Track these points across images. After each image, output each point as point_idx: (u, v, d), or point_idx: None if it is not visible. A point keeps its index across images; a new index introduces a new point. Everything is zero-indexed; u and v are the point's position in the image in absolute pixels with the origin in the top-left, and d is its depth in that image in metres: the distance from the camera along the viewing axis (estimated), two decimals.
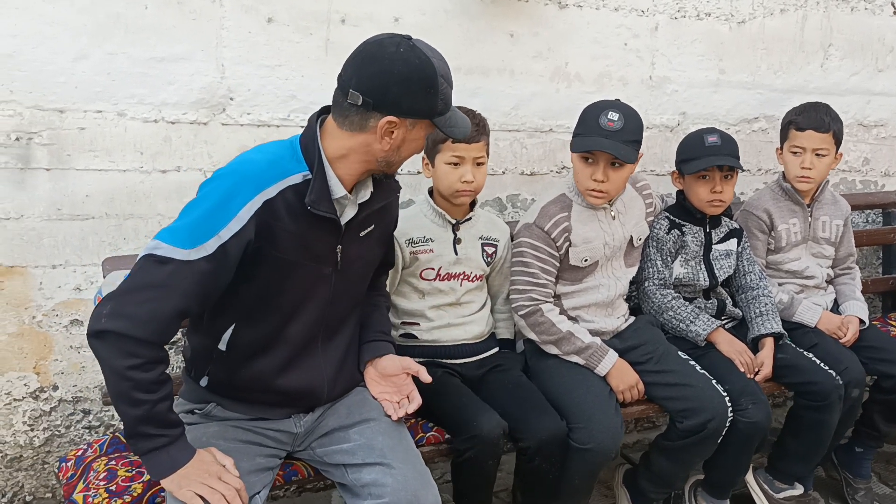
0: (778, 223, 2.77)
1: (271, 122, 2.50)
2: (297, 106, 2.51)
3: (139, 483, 1.85)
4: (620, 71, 2.94)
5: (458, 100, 2.52)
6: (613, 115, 2.25)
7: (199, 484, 1.61)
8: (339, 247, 1.81)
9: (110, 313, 1.57)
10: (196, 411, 1.88)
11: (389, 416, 1.93)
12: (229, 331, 1.80)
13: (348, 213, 1.80)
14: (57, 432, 2.46)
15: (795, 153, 2.72)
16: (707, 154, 2.49)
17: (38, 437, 2.44)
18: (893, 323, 3.15)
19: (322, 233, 1.77)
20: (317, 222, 1.74)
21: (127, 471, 1.89)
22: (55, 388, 2.43)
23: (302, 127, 2.53)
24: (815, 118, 2.70)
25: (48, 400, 2.43)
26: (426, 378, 1.95)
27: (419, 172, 2.42)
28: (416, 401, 1.94)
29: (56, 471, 2.03)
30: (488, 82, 2.74)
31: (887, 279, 3.36)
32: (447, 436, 2.14)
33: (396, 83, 1.67)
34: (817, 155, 2.70)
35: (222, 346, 1.81)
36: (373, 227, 1.90)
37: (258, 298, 1.78)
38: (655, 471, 2.42)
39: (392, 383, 1.98)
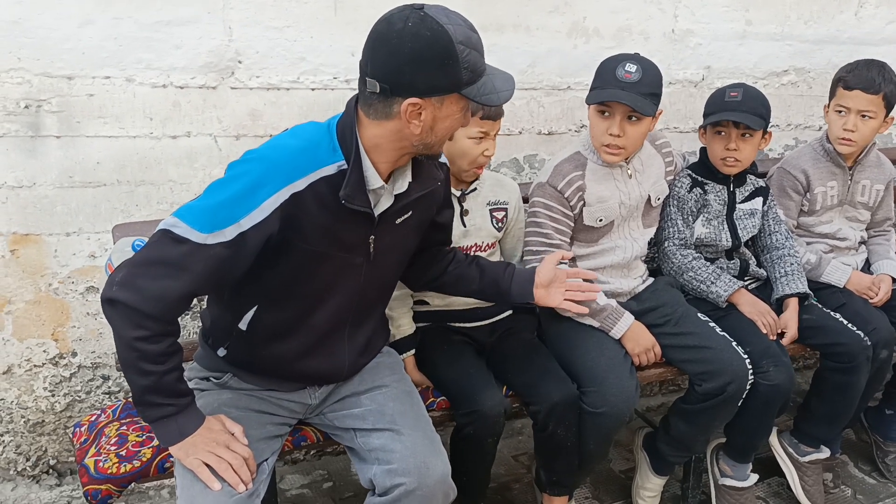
0: (815, 185, 2.66)
1: (281, 85, 2.47)
2: (306, 68, 2.47)
3: (149, 448, 1.86)
4: (641, 24, 2.84)
5: None
6: (631, 67, 2.15)
7: (207, 452, 1.61)
8: (372, 237, 1.74)
9: (121, 283, 1.54)
10: (213, 379, 1.86)
11: (403, 386, 1.93)
12: (251, 312, 1.75)
13: (384, 204, 1.72)
14: (77, 398, 2.50)
15: (840, 112, 2.58)
16: (724, 109, 2.40)
17: (60, 403, 2.49)
18: None
19: (354, 224, 1.69)
20: (349, 214, 1.66)
21: (137, 436, 1.91)
22: (74, 354, 2.46)
23: (313, 89, 2.53)
24: (865, 77, 2.55)
25: (68, 366, 2.47)
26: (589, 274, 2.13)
27: None
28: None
29: (71, 436, 2.06)
30: (503, 39, 2.67)
31: None
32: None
33: (409, 62, 1.54)
34: (863, 117, 2.55)
35: (243, 325, 1.76)
36: (410, 213, 1.80)
37: (282, 285, 1.72)
38: (675, 435, 2.37)
39: (557, 289, 2.07)
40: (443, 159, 1.92)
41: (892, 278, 2.67)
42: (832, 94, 2.64)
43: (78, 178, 2.33)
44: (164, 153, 2.39)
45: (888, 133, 3.35)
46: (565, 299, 2.08)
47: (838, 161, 2.66)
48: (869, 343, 2.42)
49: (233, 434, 1.66)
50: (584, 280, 2.13)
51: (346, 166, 1.63)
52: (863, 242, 2.81)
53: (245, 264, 1.61)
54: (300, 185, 1.60)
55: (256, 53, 2.41)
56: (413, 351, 2.17)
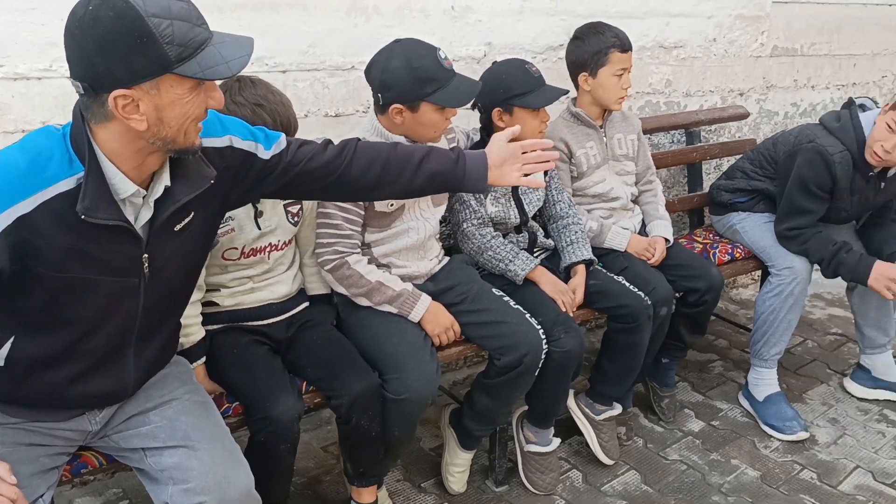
0: (576, 149, 2.78)
1: (30, 75, 2.21)
2: (59, 54, 2.21)
3: None
4: (421, 2, 2.82)
5: None
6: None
7: None
8: (146, 255, 1.54)
9: None
10: None
11: (196, 397, 1.79)
12: (7, 345, 1.54)
13: (145, 215, 1.53)
14: None
15: (619, 75, 2.70)
16: (538, 86, 2.46)
17: None
18: (698, 239, 3.29)
19: (113, 242, 1.49)
20: (101, 232, 1.46)
21: None
22: None
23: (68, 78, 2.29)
24: (627, 39, 2.71)
25: None
26: (545, 143, 1.95)
27: None
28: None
29: None
30: (279, 18, 2.55)
31: (692, 197, 3.50)
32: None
33: (96, 52, 1.34)
34: (629, 73, 2.72)
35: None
36: (192, 216, 1.61)
37: (42, 314, 1.52)
38: (478, 409, 2.42)
39: (511, 165, 1.92)
40: (217, 143, 1.66)
41: (666, 239, 2.85)
42: (600, 63, 2.69)
43: None
44: None
45: (656, 102, 3.57)
46: (523, 175, 1.93)
47: (589, 122, 2.79)
48: (650, 302, 2.58)
49: None
50: (543, 150, 1.96)
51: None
52: (635, 201, 2.98)
53: None
54: (27, 205, 1.39)
55: None
56: (203, 359, 2.04)
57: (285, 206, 2.18)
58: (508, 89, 2.47)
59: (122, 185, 1.47)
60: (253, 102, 1.98)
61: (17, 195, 1.39)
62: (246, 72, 1.77)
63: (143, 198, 1.52)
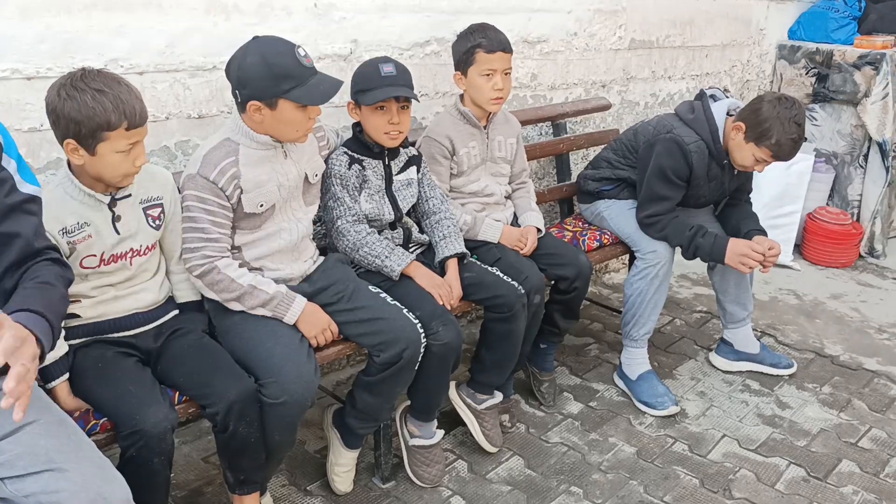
0: (459, 148, 2.82)
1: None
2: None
3: None
4: (283, 0, 2.78)
5: (97, 40, 2.26)
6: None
7: None
8: None
9: None
10: None
11: (51, 416, 1.67)
12: None
13: None
14: None
15: (487, 76, 2.73)
16: (384, 84, 2.44)
17: None
18: (568, 227, 3.39)
19: None
20: None
21: None
22: None
23: None
24: (499, 40, 2.73)
25: None
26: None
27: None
28: None
29: None
30: (134, 19, 2.46)
31: (562, 187, 3.60)
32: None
33: None
34: (506, 74, 2.75)
35: None
36: None
37: None
38: (361, 407, 2.41)
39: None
40: None
41: (537, 229, 2.93)
42: (469, 62, 2.75)
43: None
44: None
45: (523, 96, 3.65)
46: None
47: (475, 122, 2.84)
48: (523, 291, 2.64)
49: None
50: None
51: None
52: (508, 197, 3.04)
53: None
54: None
55: None
56: (66, 375, 1.94)
57: (144, 209, 2.11)
58: (355, 84, 2.50)
59: None
60: (94, 88, 1.86)
61: None
62: None
63: None
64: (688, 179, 3.04)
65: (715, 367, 3.40)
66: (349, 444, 2.51)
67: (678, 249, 3.10)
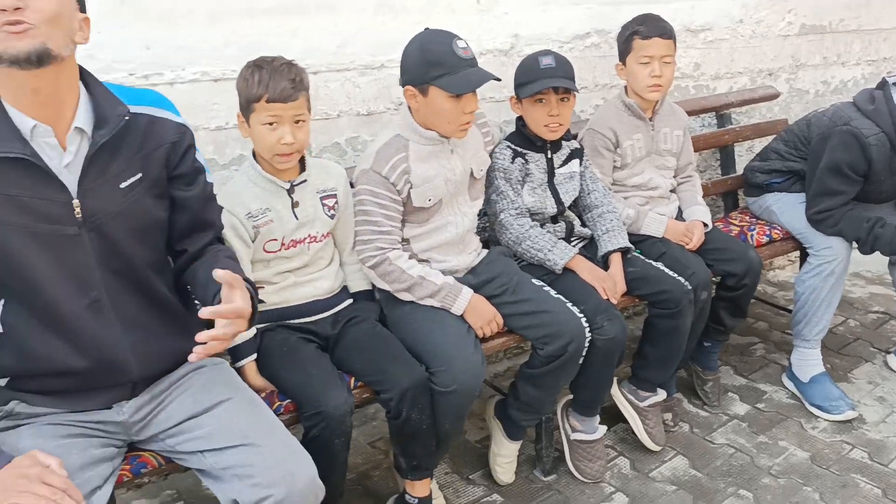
0: (623, 140, 2.78)
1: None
2: (97, 66, 2.27)
3: None
4: None
5: (277, 43, 2.38)
6: (462, 43, 2.21)
7: (19, 493, 1.45)
8: (75, 200, 1.58)
9: None
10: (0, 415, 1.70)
11: (245, 395, 1.80)
12: None
13: (67, 158, 1.57)
14: None
15: (645, 63, 2.69)
16: (542, 76, 2.45)
17: None
18: (735, 222, 3.27)
19: (42, 187, 1.55)
20: (27, 174, 1.53)
21: None
22: None
23: None
24: (658, 26, 2.70)
25: None
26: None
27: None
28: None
29: None
30: (308, 22, 2.58)
31: (726, 180, 3.48)
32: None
33: None
34: (664, 63, 2.69)
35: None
36: (139, 176, 1.67)
37: (4, 271, 1.58)
38: (524, 399, 2.42)
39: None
40: (178, 119, 1.75)
41: (703, 223, 2.84)
42: (627, 50, 2.74)
43: None
44: None
45: (685, 86, 3.55)
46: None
47: (640, 113, 2.79)
48: (689, 287, 2.57)
49: (48, 467, 1.50)
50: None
51: None
52: (672, 190, 2.97)
53: None
54: None
55: None
56: (254, 356, 2.07)
57: (321, 198, 2.21)
58: (516, 78, 2.50)
59: (20, 120, 1.53)
60: (256, 65, 2.03)
61: None
62: None
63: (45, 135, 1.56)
64: (866, 174, 2.85)
65: (895, 370, 3.18)
66: (511, 436, 2.53)
67: (854, 246, 2.93)
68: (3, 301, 1.62)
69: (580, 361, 2.35)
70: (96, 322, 1.66)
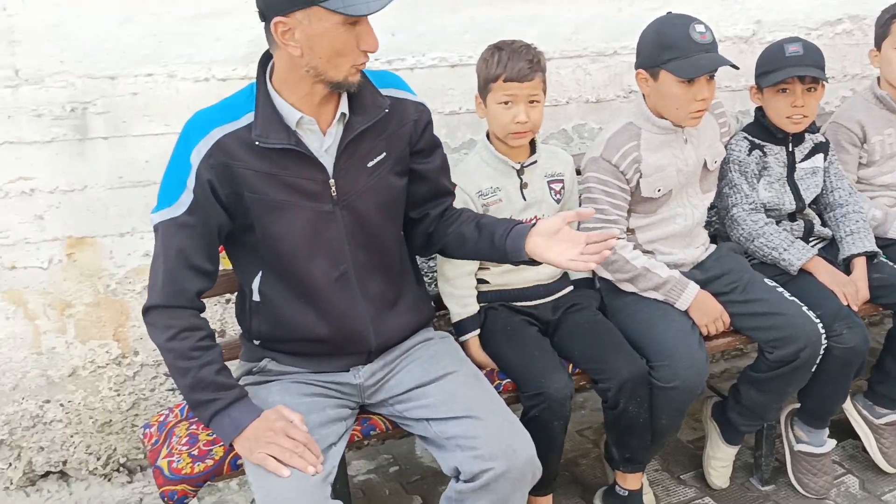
0: (871, 135, 2.57)
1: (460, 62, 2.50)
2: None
3: (220, 447, 1.86)
4: None
5: (514, 30, 2.42)
6: (701, 28, 2.13)
7: (267, 443, 1.61)
8: (332, 180, 1.72)
9: (147, 289, 1.73)
10: (254, 371, 1.89)
11: (469, 370, 1.89)
12: (257, 279, 1.79)
13: (328, 142, 1.72)
14: (142, 396, 2.52)
15: None
16: (787, 65, 2.31)
17: (125, 402, 2.51)
18: None
19: (304, 168, 1.70)
20: (292, 158, 1.68)
21: (208, 435, 1.90)
22: (136, 353, 2.48)
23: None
24: None
25: (130, 365, 2.48)
26: (614, 234, 1.71)
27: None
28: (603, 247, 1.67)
29: (142, 437, 2.06)
30: (546, 7, 2.60)
31: None
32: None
33: None
34: None
35: (255, 296, 1.81)
36: (384, 155, 1.79)
37: (265, 245, 1.74)
38: (746, 403, 2.32)
39: (560, 240, 1.71)
40: (416, 99, 1.86)
41: None
42: (885, 34, 2.53)
43: (128, 179, 2.33)
44: None
45: None
46: (558, 257, 1.69)
47: (893, 107, 2.56)
48: None
49: (291, 422, 1.66)
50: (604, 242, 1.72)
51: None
52: None
53: (216, 223, 1.69)
54: (218, 133, 1.66)
55: None
56: (478, 331, 2.14)
57: (548, 181, 2.23)
58: (758, 66, 2.38)
59: (289, 113, 1.67)
60: (496, 46, 2.08)
61: (209, 126, 1.68)
62: None
63: (310, 126, 1.70)
64: None
65: None
66: (729, 440, 2.43)
67: None
68: (260, 273, 1.79)
69: (812, 369, 2.21)
70: (341, 295, 1.79)
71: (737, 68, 2.15)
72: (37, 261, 2.32)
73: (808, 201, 2.45)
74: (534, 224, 1.76)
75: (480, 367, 2.06)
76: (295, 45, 1.59)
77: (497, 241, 1.81)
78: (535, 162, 2.19)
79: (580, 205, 2.27)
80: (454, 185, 2.03)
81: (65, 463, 2.51)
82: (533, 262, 1.77)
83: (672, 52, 2.11)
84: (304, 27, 1.57)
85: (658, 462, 2.62)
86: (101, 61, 2.22)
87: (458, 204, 2.05)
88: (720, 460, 2.46)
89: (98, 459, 2.54)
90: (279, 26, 1.58)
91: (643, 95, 2.25)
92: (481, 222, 1.89)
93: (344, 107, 1.73)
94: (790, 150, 2.44)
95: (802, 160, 2.45)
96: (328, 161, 1.73)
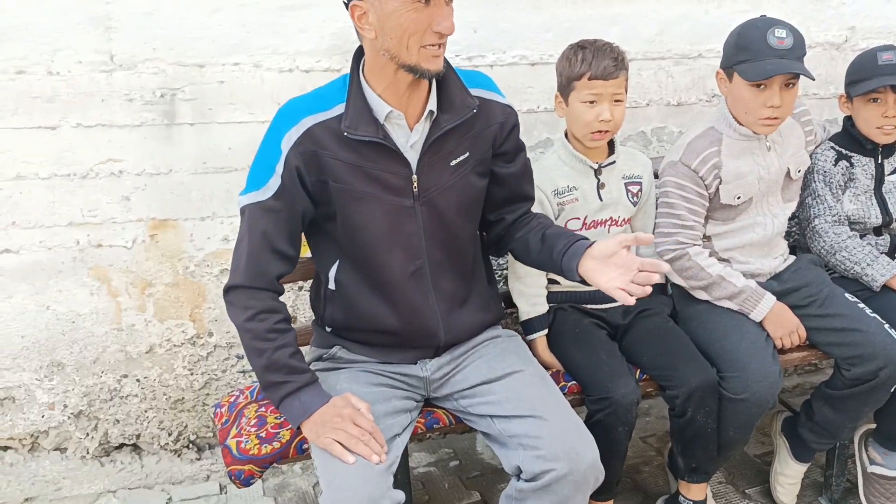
0: None
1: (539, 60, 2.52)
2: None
3: (287, 430, 1.90)
4: None
5: (595, 29, 2.39)
6: (781, 33, 2.04)
7: (334, 429, 1.64)
8: (414, 176, 1.74)
9: (230, 270, 1.77)
10: (324, 357, 1.92)
11: (536, 370, 1.88)
12: (334, 268, 1.82)
13: (414, 138, 1.74)
14: (214, 376, 2.59)
15: None
16: (880, 73, 2.23)
17: (198, 381, 2.58)
18: None
19: (389, 162, 1.72)
20: (372, 150, 1.70)
21: (276, 418, 1.94)
22: (210, 334, 2.55)
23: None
24: None
25: (204, 345, 2.56)
26: (664, 268, 1.67)
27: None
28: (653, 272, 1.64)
29: (212, 416, 2.13)
30: (629, 7, 2.57)
31: None
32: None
33: None
34: None
35: (331, 284, 1.84)
36: (467, 154, 1.80)
37: (345, 234, 1.77)
38: (819, 421, 2.25)
39: (614, 265, 1.68)
40: (503, 101, 1.86)
41: None
42: None
43: (211, 164, 2.40)
44: None
45: None
46: (621, 288, 1.64)
47: None
48: None
49: (359, 409, 1.68)
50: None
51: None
52: None
53: (300, 210, 1.72)
54: (310, 121, 1.69)
55: None
56: (546, 331, 2.14)
57: (626, 183, 2.20)
58: (848, 74, 2.30)
59: (378, 106, 1.70)
60: (579, 45, 2.07)
61: (301, 114, 1.70)
62: None
63: (397, 120, 1.72)
64: None
65: None
66: (799, 457, 2.36)
67: None
68: (338, 261, 1.83)
69: (892, 389, 2.14)
70: (415, 289, 1.82)
71: (812, 78, 2.06)
72: (121, 240, 2.40)
73: (895, 216, 2.36)
74: (592, 244, 1.74)
75: (546, 367, 2.05)
76: (370, 28, 1.62)
77: (555, 256, 1.80)
78: (614, 162, 2.17)
79: (657, 209, 2.24)
80: (534, 191, 2.01)
81: (138, 436, 2.60)
82: (586, 283, 1.76)
83: (745, 53, 2.07)
84: (377, 8, 1.60)
85: (723, 475, 2.57)
86: (190, 49, 2.29)
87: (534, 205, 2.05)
88: (788, 477, 2.39)
89: (170, 435, 2.62)
90: (356, 10, 1.62)
91: (725, 99, 2.20)
92: (546, 233, 1.88)
93: (433, 104, 1.74)
94: (879, 161, 2.35)
95: (892, 173, 2.36)
96: (413, 157, 1.75)
